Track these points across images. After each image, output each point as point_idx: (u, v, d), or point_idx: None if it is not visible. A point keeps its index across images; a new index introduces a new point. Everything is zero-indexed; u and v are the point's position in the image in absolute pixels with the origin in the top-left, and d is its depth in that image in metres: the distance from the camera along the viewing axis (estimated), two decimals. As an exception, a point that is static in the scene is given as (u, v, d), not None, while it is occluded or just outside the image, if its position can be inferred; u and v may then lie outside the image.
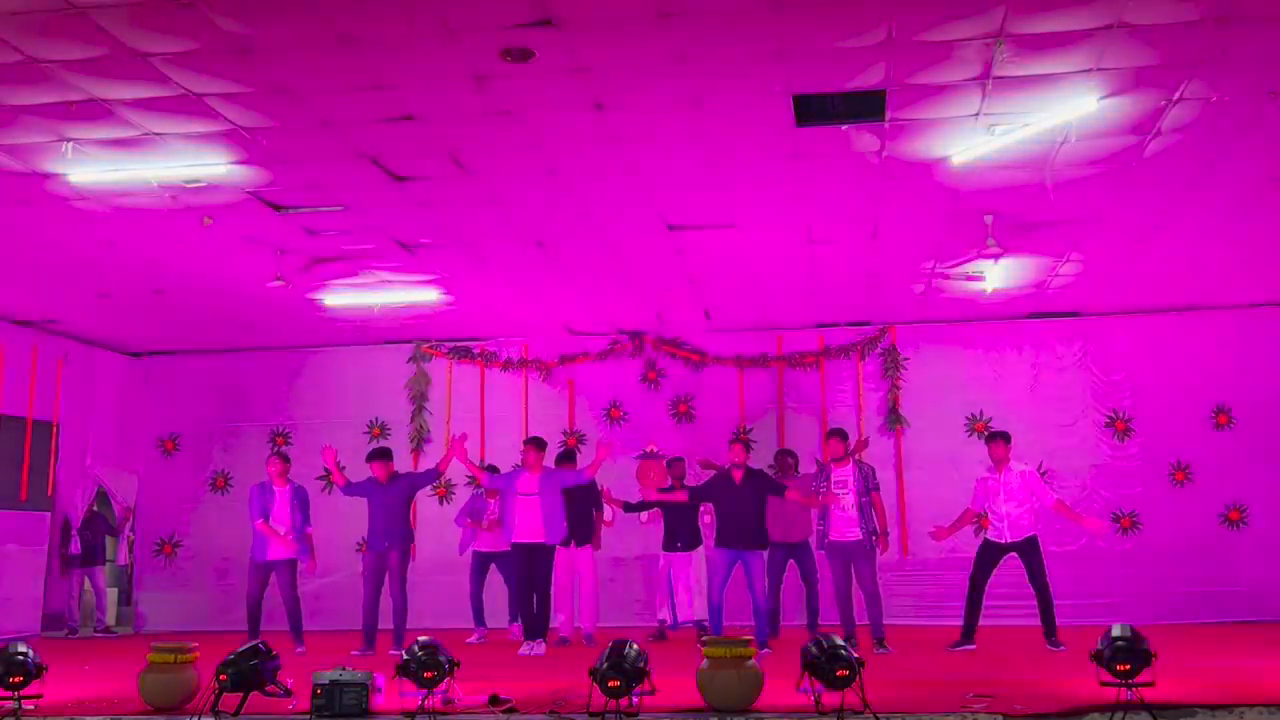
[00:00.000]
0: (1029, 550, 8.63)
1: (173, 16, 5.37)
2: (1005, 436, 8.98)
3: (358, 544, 11.44)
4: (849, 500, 8.60)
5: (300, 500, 9.40)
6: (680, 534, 9.92)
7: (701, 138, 7.01)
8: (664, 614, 10.09)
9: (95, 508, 12.59)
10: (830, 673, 5.04)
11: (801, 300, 11.28)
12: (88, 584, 12.40)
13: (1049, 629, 8.50)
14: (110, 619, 12.85)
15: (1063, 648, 8.22)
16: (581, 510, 9.71)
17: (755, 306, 11.50)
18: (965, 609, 8.72)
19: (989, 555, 8.78)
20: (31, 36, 5.55)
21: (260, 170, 7.46)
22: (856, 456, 8.94)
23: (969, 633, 8.65)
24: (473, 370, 12.80)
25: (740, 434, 11.76)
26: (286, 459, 9.75)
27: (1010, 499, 8.69)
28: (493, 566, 10.31)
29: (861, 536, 8.55)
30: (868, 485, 8.65)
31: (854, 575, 8.62)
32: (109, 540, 13.00)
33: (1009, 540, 8.67)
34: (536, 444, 9.27)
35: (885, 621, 8.74)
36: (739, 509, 8.65)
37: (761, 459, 10.98)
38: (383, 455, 9.36)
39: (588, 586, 9.83)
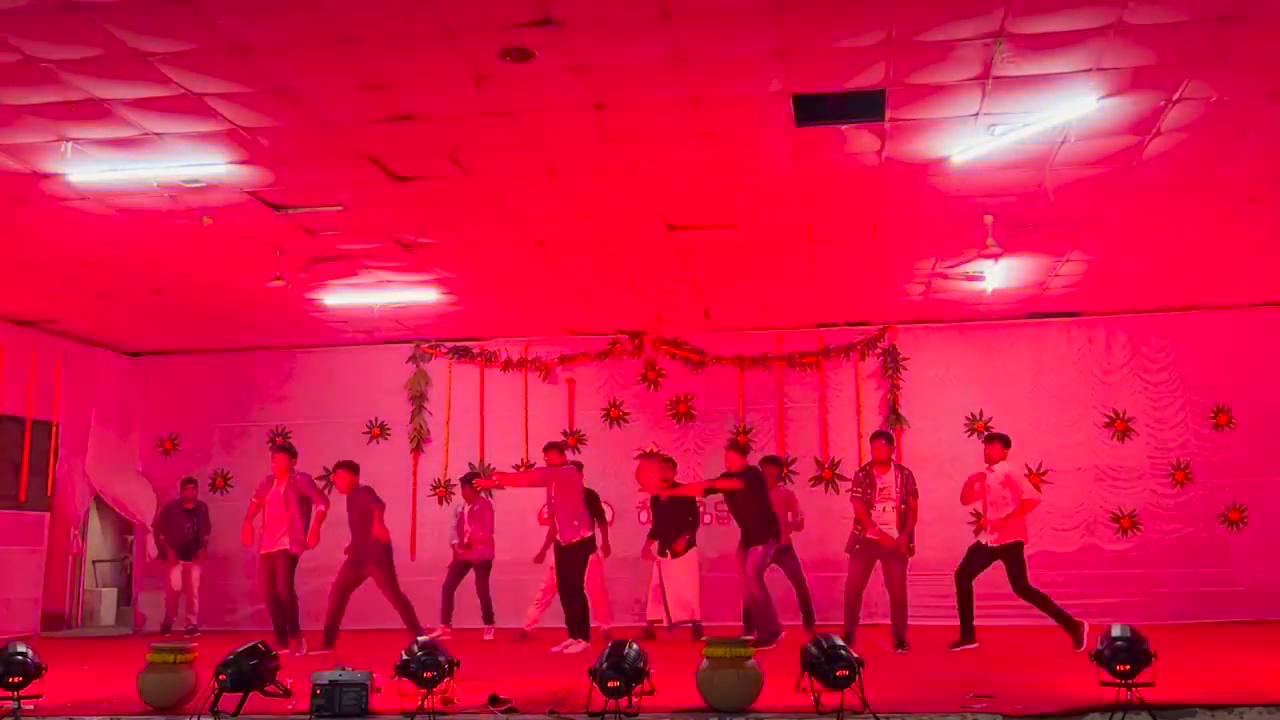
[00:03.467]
0: (1008, 557, 8.48)
1: (173, 16, 5.37)
2: (999, 439, 8.93)
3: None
4: (891, 505, 8.64)
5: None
6: (669, 538, 9.92)
7: (701, 138, 7.02)
8: (656, 614, 10.06)
9: (179, 503, 12.16)
10: (830, 673, 5.04)
11: (801, 300, 11.28)
12: (179, 579, 11.90)
13: (1067, 628, 8.22)
14: (111, 619, 12.82)
15: (1084, 646, 7.86)
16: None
17: (755, 306, 11.50)
18: (958, 608, 8.70)
19: (974, 557, 8.72)
20: (31, 36, 5.56)
21: (260, 170, 7.46)
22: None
23: (968, 631, 8.63)
24: (473, 370, 12.79)
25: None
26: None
27: (992, 504, 8.65)
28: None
29: (898, 541, 8.59)
30: (907, 490, 8.71)
31: (885, 577, 8.66)
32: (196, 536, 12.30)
33: (991, 545, 8.60)
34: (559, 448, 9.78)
35: (884, 620, 8.72)
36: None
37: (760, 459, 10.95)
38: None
39: (596, 587, 9.90)
